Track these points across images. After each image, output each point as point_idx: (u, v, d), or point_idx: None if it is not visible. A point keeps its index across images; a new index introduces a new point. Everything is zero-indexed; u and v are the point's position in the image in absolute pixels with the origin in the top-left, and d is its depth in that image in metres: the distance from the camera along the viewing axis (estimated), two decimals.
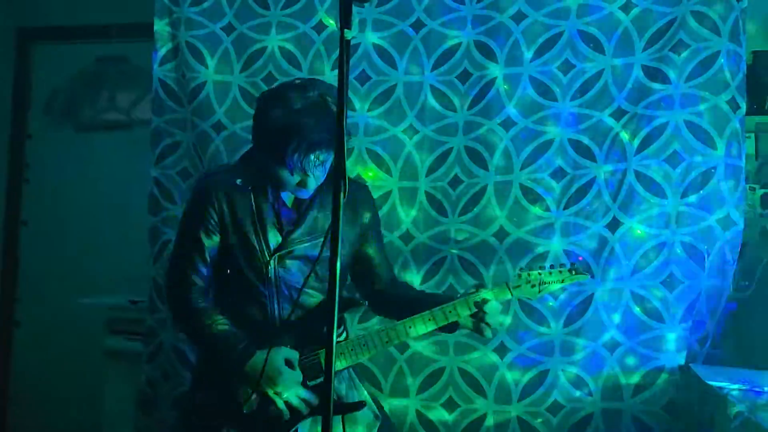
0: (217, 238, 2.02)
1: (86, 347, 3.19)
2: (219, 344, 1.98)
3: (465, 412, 2.55)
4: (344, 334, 2.16)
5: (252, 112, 2.65)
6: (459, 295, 2.08)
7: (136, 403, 2.76)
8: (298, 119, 1.90)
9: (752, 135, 2.78)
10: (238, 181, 2.04)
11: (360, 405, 2.05)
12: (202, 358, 2.14)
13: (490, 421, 2.53)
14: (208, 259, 2.03)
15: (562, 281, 2.08)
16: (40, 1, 3.68)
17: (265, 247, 2.02)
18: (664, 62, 2.47)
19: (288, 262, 2.03)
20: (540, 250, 2.53)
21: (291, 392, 1.95)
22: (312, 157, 1.92)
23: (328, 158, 1.97)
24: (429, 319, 2.02)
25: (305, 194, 2.03)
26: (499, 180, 2.57)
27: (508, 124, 2.57)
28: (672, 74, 2.46)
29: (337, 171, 1.46)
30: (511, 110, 2.56)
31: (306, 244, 2.04)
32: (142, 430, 2.74)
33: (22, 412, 3.51)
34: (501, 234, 2.55)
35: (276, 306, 2.03)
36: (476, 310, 2.02)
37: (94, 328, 3.08)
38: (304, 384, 1.99)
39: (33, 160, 3.67)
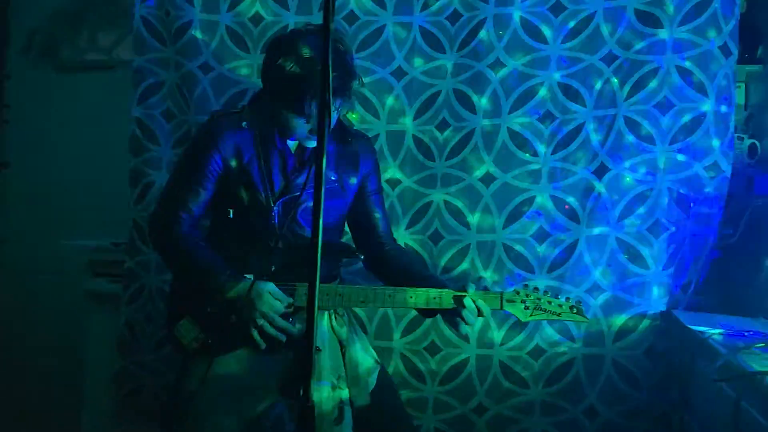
0: (214, 181, 2.05)
1: (68, 289, 3.16)
2: (204, 271, 2.00)
3: (447, 356, 2.56)
4: (337, 280, 2.17)
5: (241, 53, 2.64)
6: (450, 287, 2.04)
7: (115, 345, 2.76)
8: (312, 67, 1.91)
9: (742, 84, 2.74)
10: (244, 123, 2.06)
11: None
12: (180, 287, 2.14)
13: (472, 366, 2.55)
14: (202, 202, 2.05)
15: (558, 315, 2.05)
16: None
17: (270, 192, 2.04)
18: (656, 5, 2.44)
19: (291, 206, 2.04)
20: (526, 195, 2.52)
21: (266, 321, 1.98)
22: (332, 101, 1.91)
23: (341, 105, 2.02)
24: (411, 297, 2.02)
25: (311, 143, 2.04)
26: (487, 124, 2.54)
27: (497, 66, 2.52)
28: (664, 18, 2.43)
29: (321, 120, 1.43)
30: (501, 52, 2.52)
31: (311, 191, 1.99)
32: (121, 373, 2.74)
33: (2, 355, 3.50)
34: (487, 179, 2.53)
35: (276, 243, 2.05)
36: (457, 306, 2.00)
37: (77, 270, 3.05)
38: (285, 316, 2.00)
39: (12, 101, 3.59)
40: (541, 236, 2.51)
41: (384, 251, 2.20)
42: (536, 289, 2.05)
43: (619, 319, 2.48)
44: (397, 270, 2.15)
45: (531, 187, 2.52)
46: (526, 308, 2.02)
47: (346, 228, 2.27)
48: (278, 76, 1.97)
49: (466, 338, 2.53)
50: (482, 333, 2.53)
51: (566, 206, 2.51)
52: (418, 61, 2.58)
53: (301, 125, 1.99)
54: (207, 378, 2.01)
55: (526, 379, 2.53)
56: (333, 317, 2.10)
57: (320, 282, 1.92)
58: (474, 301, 1.99)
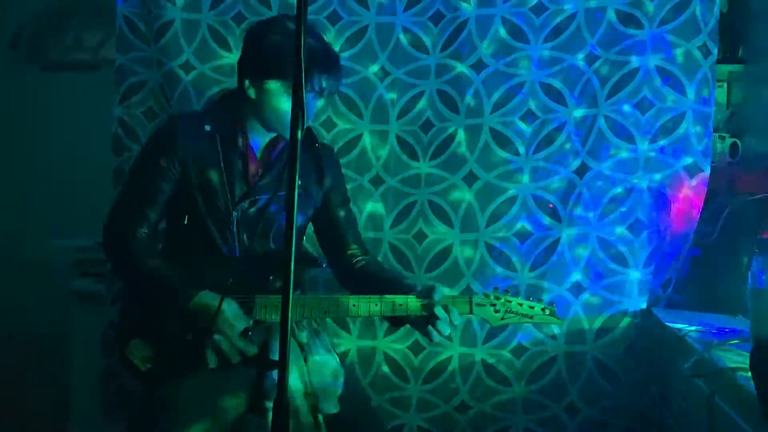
0: (171, 187, 1.97)
1: (54, 288, 3.17)
2: (158, 284, 1.90)
3: (430, 355, 2.58)
4: (298, 290, 2.08)
5: (223, 52, 2.64)
6: (416, 292, 1.95)
7: (101, 345, 2.76)
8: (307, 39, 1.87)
9: (724, 84, 2.77)
10: (207, 127, 1.99)
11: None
12: (132, 303, 2.03)
13: (455, 364, 2.56)
14: (158, 208, 1.97)
15: (531, 318, 1.97)
16: None
17: (229, 197, 1.97)
18: (637, 6, 2.45)
19: (252, 212, 1.99)
20: (509, 194, 2.53)
21: (225, 339, 1.86)
22: (316, 79, 1.90)
23: (329, 90, 1.98)
24: (375, 304, 1.92)
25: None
26: (470, 123, 2.55)
27: (479, 66, 2.54)
28: (645, 19, 2.45)
29: (294, 119, 1.40)
30: (483, 52, 2.54)
31: (274, 194, 2.00)
32: (108, 372, 2.74)
33: None
34: (470, 178, 2.55)
35: (233, 253, 1.98)
36: (428, 314, 1.91)
37: (63, 269, 3.05)
38: (243, 332, 1.89)
39: None
40: (523, 235, 2.53)
41: (355, 267, 2.13)
42: (506, 291, 1.99)
43: (600, 318, 2.50)
44: (370, 283, 2.05)
45: (513, 186, 2.53)
46: (497, 311, 1.95)
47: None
48: (262, 51, 1.92)
49: (449, 336, 2.54)
50: (465, 331, 2.55)
51: (550, 205, 2.53)
52: (401, 62, 2.59)
53: (288, 105, 1.85)
54: (171, 401, 1.88)
55: (509, 377, 2.54)
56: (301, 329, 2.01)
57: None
58: (444, 308, 1.90)
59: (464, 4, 2.54)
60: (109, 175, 2.78)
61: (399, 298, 1.93)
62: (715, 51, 2.46)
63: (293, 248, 1.35)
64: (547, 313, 1.98)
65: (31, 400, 3.32)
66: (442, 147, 2.57)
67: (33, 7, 3.58)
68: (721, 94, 2.74)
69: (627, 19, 2.46)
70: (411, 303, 1.93)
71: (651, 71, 2.45)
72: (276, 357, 1.77)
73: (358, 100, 2.61)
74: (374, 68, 2.60)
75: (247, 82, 1.98)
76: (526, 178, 2.52)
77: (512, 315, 1.96)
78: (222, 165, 1.98)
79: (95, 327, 2.83)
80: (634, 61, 2.46)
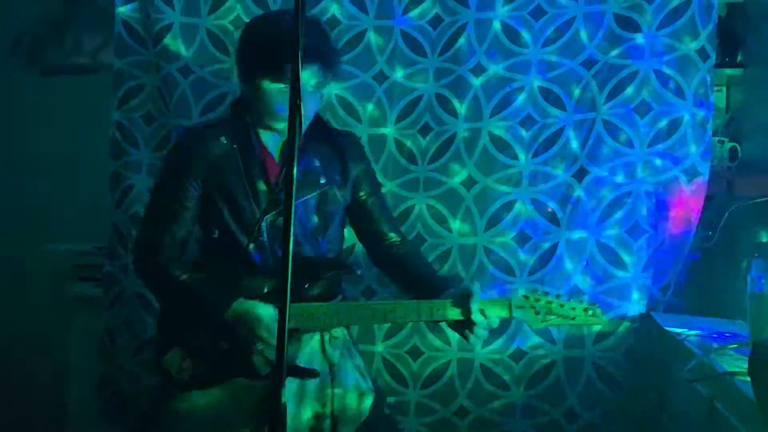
0: (195, 203, 1.95)
1: (52, 293, 3.16)
2: (193, 297, 1.92)
3: (429, 360, 2.57)
4: (339, 297, 2.06)
5: (221, 56, 2.64)
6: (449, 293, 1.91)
7: (99, 350, 2.75)
8: (289, 29, 1.78)
9: (723, 88, 2.78)
10: (223, 139, 1.96)
11: (312, 373, 1.92)
12: (169, 315, 2.04)
13: (453, 369, 2.56)
14: (184, 224, 1.96)
15: (573, 319, 1.89)
16: None
17: (255, 207, 1.94)
18: (635, 10, 2.45)
19: (280, 220, 1.93)
20: (507, 198, 2.53)
21: (267, 347, 1.86)
22: (308, 68, 1.84)
23: (324, 80, 1.92)
24: (413, 310, 1.90)
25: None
26: (468, 128, 2.55)
27: (478, 70, 2.54)
28: (643, 23, 2.44)
29: (292, 124, 1.37)
30: (482, 57, 2.53)
31: (299, 200, 1.94)
32: (104, 378, 2.73)
33: None
34: (469, 182, 2.55)
35: (268, 263, 1.94)
36: (466, 319, 1.87)
37: (61, 274, 3.05)
38: None
39: None
40: (521, 240, 2.52)
41: (394, 255, 2.08)
42: (546, 293, 1.93)
43: None
44: (405, 275, 2.05)
45: (511, 190, 2.53)
46: (537, 313, 1.88)
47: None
48: (256, 39, 1.89)
49: (447, 341, 2.54)
50: (463, 339, 2.52)
51: (549, 209, 2.53)
52: (399, 66, 2.59)
53: (282, 103, 1.83)
54: (182, 413, 1.92)
55: (507, 382, 2.53)
56: (327, 339, 1.99)
57: (321, 300, 1.90)
58: (482, 312, 1.85)
59: (463, 8, 2.54)
60: (108, 179, 2.78)
61: (436, 304, 1.89)
62: (714, 55, 2.46)
63: (290, 253, 1.31)
64: (590, 313, 1.90)
65: (28, 404, 3.31)
66: (440, 151, 2.56)
67: (32, 12, 3.58)
68: (720, 98, 2.75)
69: (625, 23, 2.46)
70: (449, 311, 1.88)
71: (649, 75, 2.45)
72: (303, 364, 1.90)
73: (356, 103, 2.61)
74: (373, 72, 2.59)
75: (245, 83, 1.95)
76: (524, 182, 2.52)
77: (553, 317, 1.89)
78: (244, 175, 1.94)
79: (93, 331, 2.82)
80: (633, 65, 2.45)
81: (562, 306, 1.89)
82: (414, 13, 2.58)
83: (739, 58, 2.74)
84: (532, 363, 2.52)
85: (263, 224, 1.94)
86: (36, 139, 3.52)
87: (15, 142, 3.55)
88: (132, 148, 2.72)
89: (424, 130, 2.58)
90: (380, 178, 2.58)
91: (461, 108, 2.55)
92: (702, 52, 2.44)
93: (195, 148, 1.96)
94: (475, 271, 2.54)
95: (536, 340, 2.51)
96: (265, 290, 1.92)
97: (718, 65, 2.52)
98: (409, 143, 2.59)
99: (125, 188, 2.72)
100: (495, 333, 2.49)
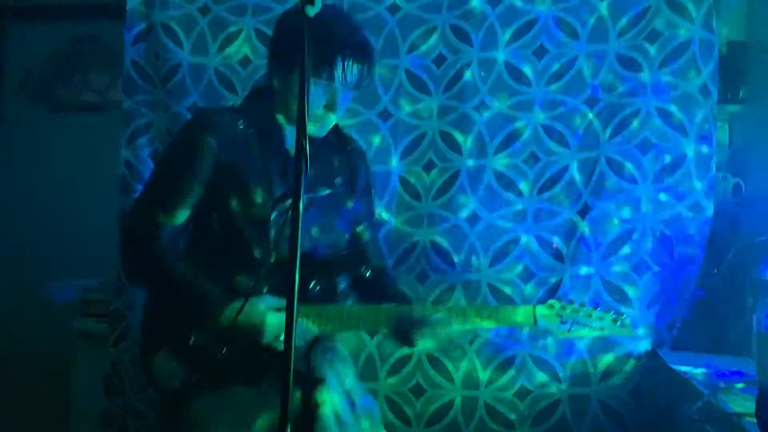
0: (203, 188, 1.81)
1: (57, 329, 3.17)
2: (190, 293, 1.75)
3: (432, 398, 2.55)
4: (350, 299, 1.99)
5: (229, 94, 2.67)
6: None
7: (103, 386, 2.74)
8: (337, 24, 1.78)
9: (725, 124, 2.78)
10: (240, 123, 1.84)
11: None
12: (157, 312, 1.87)
13: (457, 407, 2.53)
14: (188, 209, 1.81)
15: (601, 329, 1.81)
16: None
17: (267, 197, 1.81)
18: (637, 49, 2.48)
19: (290, 214, 1.77)
20: (512, 235, 2.53)
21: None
22: (346, 69, 1.77)
23: (362, 81, 1.83)
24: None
25: (322, 128, 1.85)
26: (472, 164, 2.56)
27: (481, 108, 2.56)
28: (645, 61, 2.47)
29: (299, 143, 1.37)
30: (485, 95, 2.56)
31: (314, 195, 1.87)
32: (109, 414, 2.72)
33: None
34: (473, 219, 2.55)
35: (268, 257, 1.80)
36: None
37: (66, 309, 3.05)
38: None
39: (6, 140, 3.63)
40: (526, 276, 2.52)
41: (374, 286, 2.01)
42: (571, 301, 1.85)
43: (605, 359, 2.48)
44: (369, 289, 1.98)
45: (516, 227, 2.53)
46: (563, 323, 1.79)
47: None
48: (292, 38, 1.74)
49: (450, 378, 2.53)
50: (468, 374, 2.53)
51: (554, 245, 2.53)
52: (404, 103, 2.62)
53: (317, 97, 1.77)
54: (190, 421, 1.76)
55: (513, 421, 2.51)
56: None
57: (328, 303, 1.81)
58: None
59: (466, 47, 2.57)
60: (115, 216, 2.79)
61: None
62: (716, 92, 2.48)
63: (298, 253, 1.30)
64: (618, 324, 1.82)
65: None
66: (445, 187, 2.58)
67: (41, 50, 3.64)
68: (722, 134, 2.75)
69: (627, 61, 2.49)
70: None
71: (652, 113, 2.47)
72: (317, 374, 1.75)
73: (361, 140, 2.62)
74: (377, 110, 2.62)
75: (271, 73, 1.88)
76: (529, 218, 2.53)
77: (581, 327, 1.80)
78: (260, 164, 1.82)
79: (98, 368, 2.82)
80: (635, 102, 2.48)
81: (589, 315, 1.81)
82: (418, 51, 2.61)
83: (740, 94, 2.76)
84: (537, 401, 2.50)
85: (272, 216, 1.81)
86: (44, 175, 3.56)
87: (23, 177, 3.59)
88: (139, 185, 2.74)
89: (429, 167, 2.60)
90: (385, 214, 2.60)
91: (465, 145, 2.57)
92: (704, 90, 2.46)
93: (210, 126, 1.82)
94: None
95: (542, 377, 2.49)
96: (265, 290, 1.78)
97: (719, 101, 2.53)
98: (413, 179, 2.60)
99: None
100: (499, 370, 2.50)
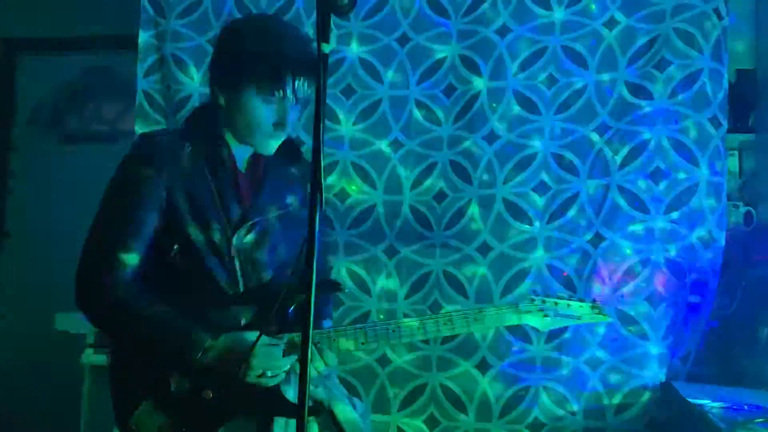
0: (156, 215, 1.68)
1: (67, 361, 3.15)
2: (164, 328, 1.63)
3: (446, 429, 2.53)
4: (329, 321, 1.93)
5: None
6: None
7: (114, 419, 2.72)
8: (286, 39, 1.70)
9: (736, 152, 2.78)
10: (188, 145, 1.73)
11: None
12: (125, 362, 1.75)
13: None
14: (144, 240, 1.68)
15: (579, 318, 1.86)
16: (26, 13, 3.67)
17: (225, 221, 1.72)
18: (647, 79, 2.48)
19: (250, 237, 1.75)
20: (523, 264, 2.52)
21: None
22: (297, 81, 1.68)
23: (308, 98, 1.73)
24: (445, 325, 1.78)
25: (272, 145, 1.76)
26: (483, 194, 2.56)
27: (491, 138, 2.57)
28: (655, 91, 2.48)
29: (314, 185, 1.30)
30: (495, 124, 2.57)
31: (270, 215, 1.79)
32: None
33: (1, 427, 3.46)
34: (484, 248, 2.55)
35: (236, 286, 1.72)
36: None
37: (76, 342, 3.04)
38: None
39: (17, 171, 3.65)
40: None
41: None
42: (548, 294, 1.89)
43: (620, 393, 2.46)
44: None
45: (527, 256, 2.52)
46: (545, 316, 1.83)
47: None
48: (242, 46, 1.69)
49: (464, 410, 2.51)
50: (481, 405, 2.50)
51: (564, 273, 2.51)
52: (414, 133, 2.62)
53: (267, 116, 1.70)
54: None
55: None
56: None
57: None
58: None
59: (476, 78, 2.58)
60: None
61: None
62: (725, 123, 2.48)
63: (314, 270, 1.24)
64: (596, 312, 1.86)
65: None
66: (455, 218, 2.58)
67: (52, 80, 3.67)
68: (732, 163, 2.75)
69: (637, 91, 2.49)
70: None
71: (662, 142, 2.47)
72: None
73: (372, 171, 2.64)
74: (388, 140, 2.63)
75: (216, 89, 1.76)
76: (540, 248, 2.52)
77: (561, 318, 1.85)
78: (212, 186, 1.72)
79: (106, 401, 2.80)
80: (645, 132, 2.48)
81: (568, 305, 1.85)
82: (427, 83, 2.62)
83: (750, 122, 2.76)
84: None
85: (234, 241, 1.72)
86: (55, 205, 3.56)
87: (34, 208, 3.60)
88: None
89: (440, 197, 2.60)
90: (397, 245, 2.59)
91: (476, 175, 2.57)
92: (714, 120, 2.46)
93: (158, 153, 1.71)
94: (492, 337, 2.51)
95: (556, 410, 2.47)
96: (243, 322, 1.70)
97: (729, 130, 2.53)
98: (424, 209, 2.60)
99: None
100: (512, 402, 2.48)
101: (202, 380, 1.65)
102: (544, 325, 1.85)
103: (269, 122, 1.72)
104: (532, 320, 1.84)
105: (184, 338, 1.62)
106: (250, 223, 1.75)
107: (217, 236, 1.71)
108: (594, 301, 1.89)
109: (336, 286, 1.85)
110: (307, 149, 1.63)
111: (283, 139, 1.78)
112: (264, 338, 1.65)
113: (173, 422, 1.65)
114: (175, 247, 1.70)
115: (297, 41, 1.73)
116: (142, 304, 1.65)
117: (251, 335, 1.65)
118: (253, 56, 1.68)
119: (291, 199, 1.85)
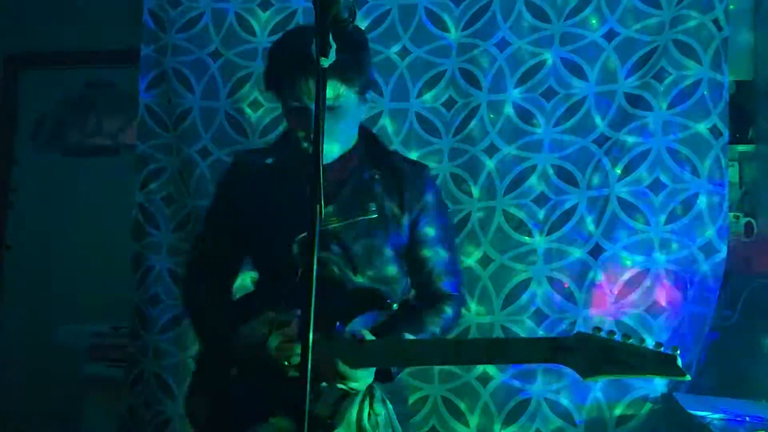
0: (245, 252, 1.94)
1: (67, 374, 3.16)
2: (246, 306, 1.82)
3: None
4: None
5: (239, 137, 2.70)
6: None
7: (116, 430, 2.73)
8: (295, 45, 1.73)
9: (736, 163, 2.78)
10: (269, 160, 1.89)
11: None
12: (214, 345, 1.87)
13: None
14: (235, 273, 1.98)
15: (636, 369, 1.36)
16: (28, 27, 3.69)
17: (291, 235, 1.77)
18: (646, 89, 2.48)
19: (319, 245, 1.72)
20: (523, 276, 2.52)
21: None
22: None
23: (340, 93, 1.73)
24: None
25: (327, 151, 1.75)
26: (483, 206, 2.57)
27: (491, 150, 2.57)
28: (654, 102, 2.47)
29: (316, 188, 1.33)
30: (495, 137, 2.57)
31: (341, 224, 1.79)
32: None
33: None
34: (484, 260, 2.55)
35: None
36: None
37: (76, 354, 3.05)
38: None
39: (19, 184, 3.66)
40: (538, 318, 2.50)
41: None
42: (599, 328, 1.44)
43: (621, 404, 2.44)
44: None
45: (527, 268, 2.52)
46: (591, 359, 1.40)
47: None
48: (271, 61, 1.81)
49: (466, 423, 2.50)
50: (483, 417, 2.50)
51: (565, 284, 2.51)
52: (414, 147, 2.63)
53: (299, 117, 1.74)
54: None
55: None
56: (366, 411, 1.72)
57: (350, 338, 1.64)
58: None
59: (476, 91, 2.59)
60: (128, 260, 2.80)
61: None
62: (726, 133, 2.47)
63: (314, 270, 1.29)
64: (663, 359, 1.34)
65: None
66: (456, 230, 2.57)
67: (55, 94, 3.69)
68: (733, 173, 2.74)
69: (636, 101, 2.49)
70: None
71: (662, 153, 2.47)
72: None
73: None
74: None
75: (279, 105, 1.84)
76: (540, 260, 2.52)
77: (612, 365, 1.37)
78: (285, 196, 1.80)
79: (108, 413, 2.81)
80: (645, 143, 2.47)
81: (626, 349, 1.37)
82: (428, 96, 2.63)
83: (750, 133, 2.76)
84: None
85: (294, 247, 1.77)
86: (57, 218, 3.58)
87: (36, 221, 3.61)
88: (153, 229, 2.76)
89: None
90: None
91: (475, 187, 2.57)
92: (714, 130, 2.46)
93: (242, 168, 1.93)
94: None
95: (557, 422, 2.46)
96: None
97: (729, 141, 2.52)
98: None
99: (146, 269, 2.75)
100: (514, 415, 2.47)
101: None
102: (585, 373, 1.44)
103: (304, 126, 1.75)
104: (572, 364, 1.44)
105: (254, 328, 1.73)
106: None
107: (285, 242, 1.79)
108: (658, 345, 1.40)
109: (384, 303, 1.76)
110: None
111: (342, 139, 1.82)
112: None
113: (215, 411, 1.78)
114: (253, 257, 1.94)
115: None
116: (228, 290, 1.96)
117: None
118: (277, 68, 1.80)
119: (374, 206, 1.81)
